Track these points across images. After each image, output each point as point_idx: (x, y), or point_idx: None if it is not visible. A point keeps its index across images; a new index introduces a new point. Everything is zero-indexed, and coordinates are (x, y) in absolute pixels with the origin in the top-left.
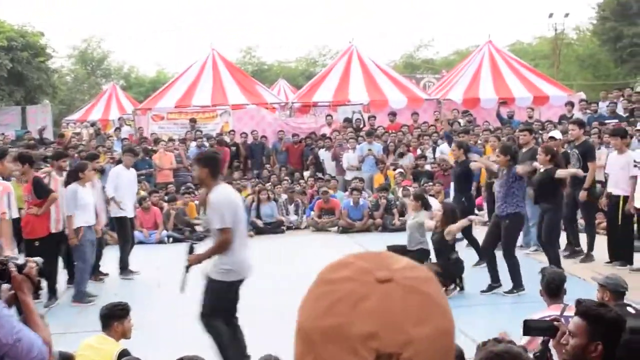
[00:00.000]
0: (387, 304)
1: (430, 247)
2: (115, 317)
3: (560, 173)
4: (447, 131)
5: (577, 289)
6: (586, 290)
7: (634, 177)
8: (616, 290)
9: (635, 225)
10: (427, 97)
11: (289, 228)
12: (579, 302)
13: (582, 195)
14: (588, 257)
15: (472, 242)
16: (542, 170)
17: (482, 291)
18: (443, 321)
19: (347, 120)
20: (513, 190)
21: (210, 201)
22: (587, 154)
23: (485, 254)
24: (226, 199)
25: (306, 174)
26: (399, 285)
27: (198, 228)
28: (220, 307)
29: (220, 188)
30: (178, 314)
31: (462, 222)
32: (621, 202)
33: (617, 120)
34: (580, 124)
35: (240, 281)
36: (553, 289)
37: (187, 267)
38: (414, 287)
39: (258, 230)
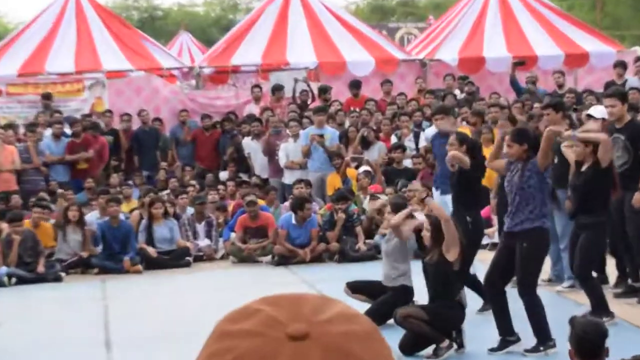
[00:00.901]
0: None
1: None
2: None
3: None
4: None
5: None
6: None
7: None
8: None
9: None
10: (406, 57)
11: (198, 258)
12: None
13: (637, 198)
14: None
15: (470, 282)
16: (585, 167)
17: (492, 349)
18: None
19: (278, 89)
20: (531, 192)
21: None
22: (637, 140)
23: (491, 294)
24: None
25: (223, 175)
26: (318, 343)
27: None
28: None
29: None
30: None
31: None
32: None
33: None
34: (621, 96)
35: None
36: (587, 348)
37: None
38: (339, 348)
39: (150, 263)
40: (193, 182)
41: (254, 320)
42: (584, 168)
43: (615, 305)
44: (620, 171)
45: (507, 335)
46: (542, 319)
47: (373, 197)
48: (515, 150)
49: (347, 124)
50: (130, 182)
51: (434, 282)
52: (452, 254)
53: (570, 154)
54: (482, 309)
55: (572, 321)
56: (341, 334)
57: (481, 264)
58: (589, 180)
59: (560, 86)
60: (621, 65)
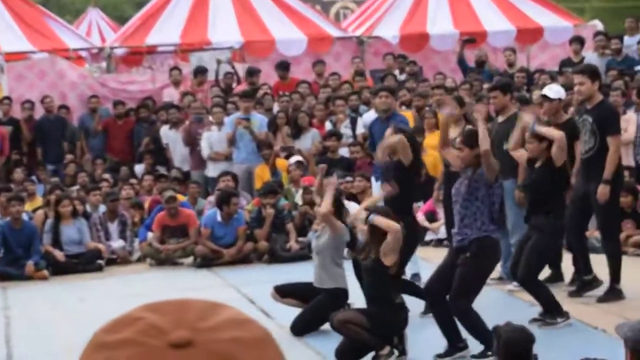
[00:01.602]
0: None
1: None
2: None
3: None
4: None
5: (595, 346)
6: (610, 348)
7: None
8: (637, 349)
9: None
10: (342, 34)
11: (110, 261)
12: None
13: (602, 191)
14: (612, 293)
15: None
16: (538, 164)
17: (440, 356)
18: None
19: (200, 72)
20: (478, 206)
21: None
22: (606, 123)
23: (431, 302)
24: None
25: (139, 168)
26: (202, 351)
27: None
28: None
29: None
30: None
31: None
32: None
33: None
34: (592, 73)
35: None
36: (515, 356)
37: None
38: (225, 356)
39: (57, 267)
40: (105, 176)
41: (134, 329)
42: (537, 165)
43: (571, 304)
44: (585, 157)
45: (456, 341)
46: (480, 324)
47: (306, 190)
48: (466, 154)
49: (276, 109)
50: (33, 177)
51: (370, 286)
52: (389, 259)
53: (519, 156)
54: (425, 312)
55: (497, 330)
56: (228, 341)
57: (425, 262)
58: (542, 178)
59: (511, 65)
60: (578, 41)
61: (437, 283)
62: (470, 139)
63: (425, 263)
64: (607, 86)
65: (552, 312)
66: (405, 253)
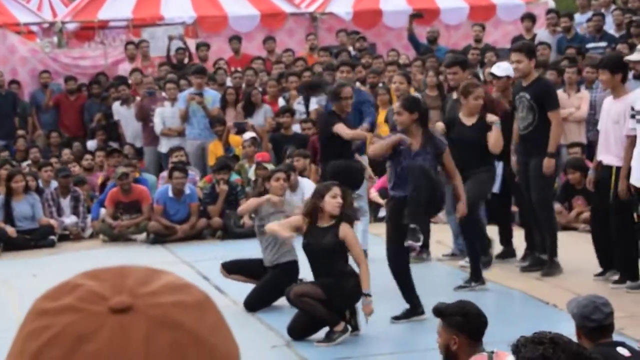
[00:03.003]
0: (119, 345)
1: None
2: None
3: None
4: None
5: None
6: (561, 323)
7: (632, 137)
8: (583, 325)
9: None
10: (295, 10)
11: (63, 237)
12: (516, 348)
13: (548, 165)
14: (553, 267)
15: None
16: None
17: (395, 317)
18: None
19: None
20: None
21: None
22: (545, 99)
23: (392, 262)
24: None
25: (91, 144)
26: (143, 316)
27: None
28: None
29: None
30: None
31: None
32: (613, 178)
33: (605, 44)
34: (529, 51)
35: None
36: (483, 327)
37: None
38: (166, 319)
39: (8, 243)
40: (57, 153)
41: (74, 295)
42: (470, 123)
43: (523, 280)
44: (525, 133)
45: (414, 306)
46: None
47: (259, 166)
48: (405, 118)
49: (228, 84)
50: None
51: (323, 262)
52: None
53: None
54: None
55: (463, 307)
56: (169, 305)
57: (379, 238)
58: (475, 137)
59: (479, 41)
60: (529, 18)
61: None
62: (409, 103)
63: (379, 239)
64: (556, 65)
65: (475, 272)
66: None
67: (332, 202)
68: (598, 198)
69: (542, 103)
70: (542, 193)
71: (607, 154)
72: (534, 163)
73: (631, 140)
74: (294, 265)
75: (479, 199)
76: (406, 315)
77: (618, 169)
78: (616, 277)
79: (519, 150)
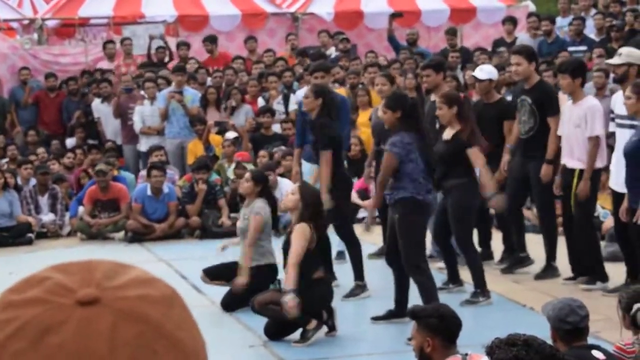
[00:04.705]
0: (84, 337)
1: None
2: None
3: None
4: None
5: (523, 324)
6: (537, 326)
7: (595, 138)
8: (558, 327)
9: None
10: (276, 10)
11: (41, 235)
12: (490, 349)
13: (546, 172)
14: (549, 271)
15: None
16: (449, 136)
17: (375, 318)
18: None
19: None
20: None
21: None
22: (546, 104)
23: (393, 269)
24: None
25: (70, 142)
26: (109, 308)
27: None
28: None
29: None
30: None
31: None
32: (575, 180)
33: (585, 48)
34: (528, 54)
35: None
36: (456, 330)
37: None
38: (132, 312)
39: None
40: (36, 150)
41: (41, 288)
42: (446, 137)
43: (501, 283)
44: (526, 138)
45: (400, 307)
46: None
47: (239, 165)
48: (389, 116)
49: (209, 84)
50: None
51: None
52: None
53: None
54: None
55: (438, 309)
56: (135, 298)
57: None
58: (452, 150)
59: (453, 46)
60: (511, 21)
61: (392, 249)
62: (393, 101)
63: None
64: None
65: (480, 287)
66: None
67: (288, 197)
68: (567, 202)
69: (543, 107)
70: (542, 196)
71: (570, 158)
72: (534, 167)
73: (594, 142)
74: (272, 267)
75: (464, 214)
76: (386, 317)
77: (581, 171)
78: (585, 279)
79: (516, 152)
